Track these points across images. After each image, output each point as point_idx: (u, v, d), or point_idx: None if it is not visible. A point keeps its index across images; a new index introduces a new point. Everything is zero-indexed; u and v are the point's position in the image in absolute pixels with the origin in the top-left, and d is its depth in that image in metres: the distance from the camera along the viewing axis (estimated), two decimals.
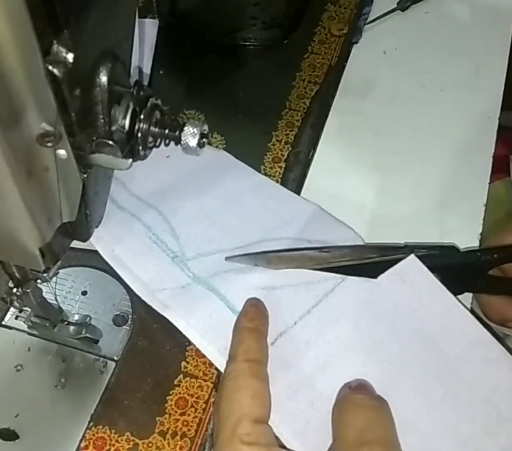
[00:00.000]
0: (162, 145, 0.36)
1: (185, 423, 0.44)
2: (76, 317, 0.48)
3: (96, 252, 0.48)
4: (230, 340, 0.41)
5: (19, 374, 0.46)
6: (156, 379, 0.46)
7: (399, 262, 0.44)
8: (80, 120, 0.29)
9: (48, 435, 0.44)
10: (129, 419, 0.44)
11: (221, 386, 0.38)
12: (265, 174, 0.55)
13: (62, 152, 0.28)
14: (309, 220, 0.50)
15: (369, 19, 0.68)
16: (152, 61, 0.62)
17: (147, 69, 0.61)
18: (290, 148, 0.58)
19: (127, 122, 0.32)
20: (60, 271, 0.47)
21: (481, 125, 0.61)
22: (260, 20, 0.63)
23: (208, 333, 0.43)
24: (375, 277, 0.44)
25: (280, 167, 0.56)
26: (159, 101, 0.34)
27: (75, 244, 0.41)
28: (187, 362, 0.46)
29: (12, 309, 0.48)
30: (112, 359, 0.47)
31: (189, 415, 0.44)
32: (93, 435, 0.44)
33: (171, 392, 0.45)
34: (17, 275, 0.40)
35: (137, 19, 0.36)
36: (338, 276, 0.44)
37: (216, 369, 0.45)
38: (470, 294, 0.49)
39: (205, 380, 0.46)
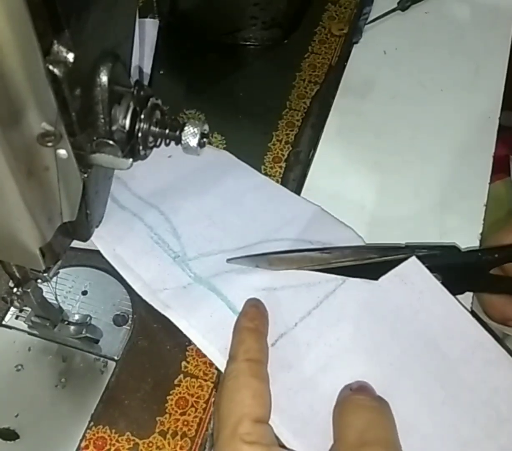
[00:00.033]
0: (164, 145, 0.36)
1: (185, 423, 0.44)
2: (77, 317, 0.48)
3: (96, 251, 0.48)
4: (230, 340, 0.41)
5: (20, 373, 0.47)
6: (156, 379, 0.46)
7: (400, 262, 0.43)
8: (81, 120, 0.29)
9: (48, 435, 0.44)
10: (129, 418, 0.44)
11: (221, 386, 0.38)
12: (266, 174, 0.55)
13: (62, 152, 0.28)
14: (310, 221, 0.50)
15: (370, 19, 0.68)
16: (153, 61, 0.62)
17: (147, 69, 0.61)
18: (291, 148, 0.58)
19: (127, 122, 0.32)
20: (61, 270, 0.47)
21: (481, 125, 0.61)
22: (260, 20, 0.63)
23: (209, 333, 0.43)
24: (376, 278, 0.43)
25: (280, 167, 0.56)
26: (159, 101, 0.34)
27: (76, 243, 0.41)
28: (188, 362, 0.46)
29: (12, 308, 0.49)
30: (113, 359, 0.47)
31: (189, 415, 0.44)
32: (94, 435, 0.44)
33: (171, 392, 0.45)
34: (17, 274, 0.40)
35: (137, 19, 0.36)
36: (339, 278, 0.44)
37: (217, 368, 0.45)
38: (470, 294, 0.49)
39: (205, 380, 0.46)
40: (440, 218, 0.55)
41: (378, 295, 0.43)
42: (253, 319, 0.41)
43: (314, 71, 0.63)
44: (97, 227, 0.45)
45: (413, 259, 0.43)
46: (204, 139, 0.35)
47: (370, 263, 0.44)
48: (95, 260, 0.50)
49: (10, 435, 0.44)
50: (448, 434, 0.39)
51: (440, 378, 0.41)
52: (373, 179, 0.58)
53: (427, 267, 0.43)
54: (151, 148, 0.35)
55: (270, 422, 0.37)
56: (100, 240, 0.47)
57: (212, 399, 0.45)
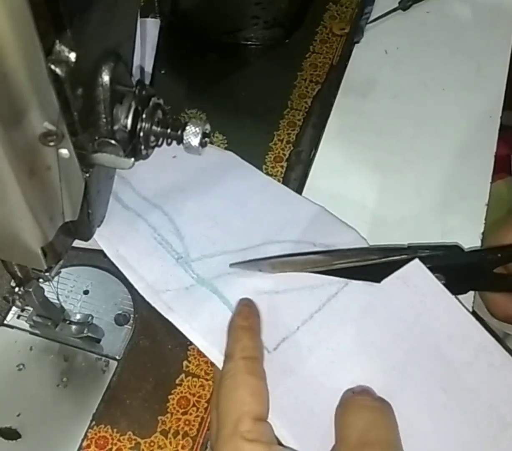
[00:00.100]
0: (166, 144, 0.36)
1: (187, 422, 0.44)
2: (78, 316, 0.48)
3: (98, 251, 0.48)
4: None
5: (21, 373, 0.47)
6: (158, 378, 0.46)
7: (403, 263, 0.43)
8: (82, 119, 0.29)
9: (50, 434, 0.44)
10: (131, 418, 0.44)
11: (219, 385, 0.38)
12: (267, 173, 0.55)
13: (64, 151, 0.28)
14: (314, 222, 0.50)
15: (371, 18, 0.68)
16: (154, 60, 0.62)
17: (149, 69, 0.61)
18: (292, 148, 0.58)
19: (129, 121, 0.32)
20: (62, 270, 0.47)
21: (483, 124, 0.61)
22: (261, 20, 0.63)
23: (210, 335, 0.43)
24: (378, 281, 0.43)
25: (281, 166, 0.57)
26: (161, 101, 0.34)
27: (77, 243, 0.41)
28: (189, 361, 0.46)
29: (14, 308, 0.49)
30: (114, 358, 0.47)
31: (191, 414, 0.45)
32: (95, 434, 0.44)
33: (173, 391, 0.45)
34: (19, 274, 0.40)
35: (138, 19, 0.36)
36: (342, 280, 0.44)
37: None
38: (472, 293, 0.49)
39: (207, 379, 0.46)
40: (441, 217, 0.55)
41: (381, 297, 0.43)
42: (247, 318, 0.41)
43: (315, 71, 0.63)
44: (98, 226, 0.45)
45: (416, 261, 0.43)
46: (206, 139, 0.35)
47: (372, 264, 0.44)
48: (97, 260, 0.50)
49: (12, 434, 0.44)
50: (450, 437, 0.39)
51: (443, 381, 0.41)
52: (374, 178, 0.57)
53: (430, 268, 0.43)
54: (153, 147, 0.35)
55: (271, 425, 0.37)
56: (103, 239, 0.47)
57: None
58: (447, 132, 0.61)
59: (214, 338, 0.42)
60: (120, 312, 0.49)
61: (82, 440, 0.43)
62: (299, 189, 0.55)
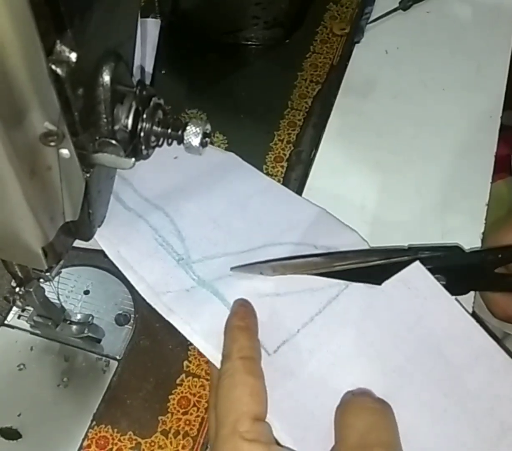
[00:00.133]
0: (166, 145, 0.36)
1: (187, 422, 0.44)
2: (79, 316, 0.48)
3: (98, 251, 0.48)
4: None
5: (22, 373, 0.47)
6: (158, 378, 0.46)
7: (404, 264, 0.43)
8: (83, 119, 0.29)
9: (50, 434, 0.44)
10: (131, 418, 0.44)
11: (217, 385, 0.38)
12: (267, 173, 0.55)
13: (65, 151, 0.28)
14: (315, 224, 0.50)
15: (371, 18, 0.68)
16: (154, 60, 0.62)
17: (149, 69, 0.61)
18: (292, 148, 0.58)
19: (130, 121, 0.32)
20: (63, 270, 0.47)
21: (483, 124, 0.61)
22: (262, 20, 0.63)
23: (211, 337, 0.42)
24: (379, 283, 0.43)
25: (282, 166, 0.57)
26: (161, 101, 0.34)
27: (78, 243, 0.41)
28: (190, 361, 0.47)
29: (14, 308, 0.49)
30: (115, 358, 0.47)
31: (191, 414, 0.45)
32: (96, 434, 0.44)
33: (173, 391, 0.45)
34: (19, 274, 0.40)
35: (139, 19, 0.36)
36: (342, 283, 0.44)
37: None
38: (472, 293, 0.49)
39: (207, 379, 0.46)
40: (441, 217, 0.55)
41: (381, 300, 0.43)
42: (243, 318, 0.41)
43: (315, 71, 0.63)
44: (99, 226, 0.45)
45: (417, 264, 0.43)
46: (206, 139, 0.35)
47: (373, 265, 0.44)
48: (97, 260, 0.50)
49: (12, 434, 0.44)
50: (450, 442, 0.39)
51: (443, 385, 0.41)
52: (374, 178, 0.57)
53: (431, 269, 0.43)
54: (154, 147, 0.35)
55: (270, 426, 0.37)
56: (104, 240, 0.47)
57: None
58: (447, 132, 0.61)
59: (215, 339, 0.42)
60: (120, 312, 0.49)
61: (83, 440, 0.43)
62: (299, 189, 0.55)
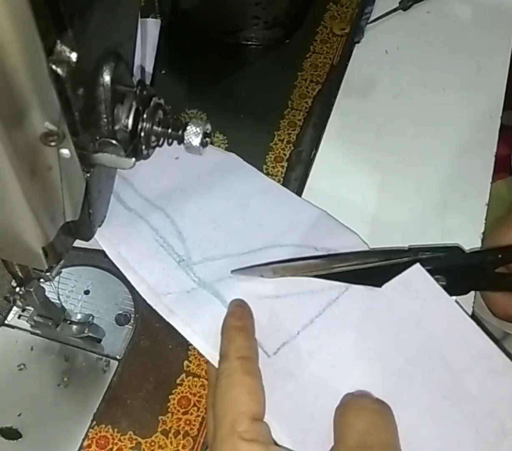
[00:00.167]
0: (166, 144, 0.36)
1: (187, 422, 0.44)
2: (79, 316, 0.48)
3: (98, 251, 0.48)
4: None
5: (22, 373, 0.47)
6: (158, 378, 0.46)
7: (404, 265, 0.43)
8: (84, 119, 0.29)
9: (51, 434, 0.44)
10: (131, 418, 0.44)
11: (215, 385, 0.38)
12: (267, 173, 0.55)
13: (65, 151, 0.28)
14: (316, 226, 0.49)
15: (371, 18, 0.68)
16: (154, 60, 0.62)
17: (149, 69, 0.61)
18: (292, 148, 0.58)
19: (130, 121, 0.32)
20: (63, 270, 0.47)
21: (483, 124, 0.61)
22: (262, 20, 0.63)
23: (212, 338, 0.42)
24: (379, 285, 0.43)
25: (282, 166, 0.57)
26: (162, 101, 0.34)
27: (78, 243, 0.41)
28: (190, 361, 0.47)
29: (15, 308, 0.49)
30: (115, 358, 0.47)
31: (191, 414, 0.45)
32: (96, 434, 0.44)
33: (173, 391, 0.45)
34: (20, 274, 0.40)
35: (139, 19, 0.36)
36: (342, 285, 0.44)
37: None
38: (472, 293, 0.49)
39: (207, 379, 0.46)
40: (441, 218, 0.55)
41: (381, 302, 0.43)
42: (240, 318, 0.41)
43: (315, 71, 0.63)
44: (99, 226, 0.45)
45: (417, 266, 0.43)
46: (207, 139, 0.36)
47: (373, 266, 0.44)
48: (98, 260, 0.50)
49: (12, 434, 0.44)
50: (450, 443, 0.39)
51: (443, 387, 0.41)
52: (374, 178, 0.58)
53: (431, 269, 0.43)
54: (154, 147, 0.35)
55: (271, 429, 0.37)
56: (105, 240, 0.47)
57: None
58: (447, 132, 0.61)
59: (215, 341, 0.42)
60: (120, 312, 0.49)
61: (83, 440, 0.44)
62: (299, 189, 0.55)
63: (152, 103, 0.33)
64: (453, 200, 0.56)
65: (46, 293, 0.44)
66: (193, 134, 0.35)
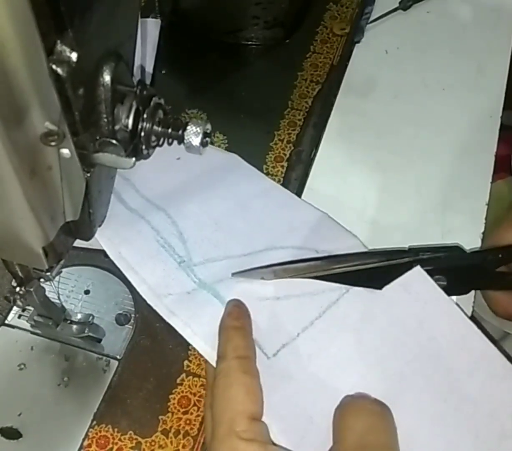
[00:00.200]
0: (166, 144, 0.36)
1: (187, 421, 0.44)
2: (79, 316, 0.48)
3: (99, 251, 0.48)
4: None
5: (22, 372, 0.47)
6: (158, 378, 0.46)
7: (404, 266, 0.43)
8: (84, 119, 0.29)
9: (51, 433, 0.44)
10: (132, 417, 0.44)
11: (213, 385, 0.38)
12: (267, 173, 0.55)
13: (65, 151, 0.28)
14: (317, 228, 0.49)
15: (371, 18, 0.68)
16: (155, 60, 0.62)
17: (149, 69, 0.61)
18: (292, 148, 0.58)
19: (130, 121, 0.32)
20: (63, 270, 0.47)
21: (483, 124, 0.61)
22: (262, 20, 0.63)
23: (212, 339, 0.42)
24: (380, 287, 0.43)
25: (282, 166, 0.57)
26: (162, 101, 0.34)
27: (78, 243, 0.41)
28: (190, 361, 0.47)
29: (15, 308, 0.49)
30: (115, 358, 0.47)
31: (191, 413, 0.45)
32: (96, 433, 0.44)
33: (173, 391, 0.45)
34: (20, 274, 0.40)
35: (139, 19, 0.36)
36: (343, 287, 0.44)
37: None
38: (472, 293, 0.49)
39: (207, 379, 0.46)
40: (442, 217, 0.55)
41: (382, 305, 0.43)
42: (238, 318, 0.41)
43: (316, 71, 0.63)
44: (99, 226, 0.45)
45: (418, 268, 0.43)
46: (207, 139, 0.36)
47: (374, 267, 0.43)
48: (98, 259, 0.50)
49: (13, 434, 0.44)
50: (450, 446, 0.39)
51: (443, 390, 0.40)
52: (374, 178, 0.58)
53: (432, 270, 0.43)
54: (154, 147, 0.35)
55: (269, 430, 0.37)
56: (106, 241, 0.47)
57: None
58: (447, 132, 0.61)
59: (215, 342, 0.42)
60: (121, 311, 0.49)
61: (83, 440, 0.44)
62: (299, 189, 0.55)
63: (152, 103, 0.33)
64: (453, 200, 0.56)
65: (46, 293, 0.44)
66: (193, 134, 0.35)
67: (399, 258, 0.43)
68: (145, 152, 0.34)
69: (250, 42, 0.65)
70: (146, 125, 0.33)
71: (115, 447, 0.43)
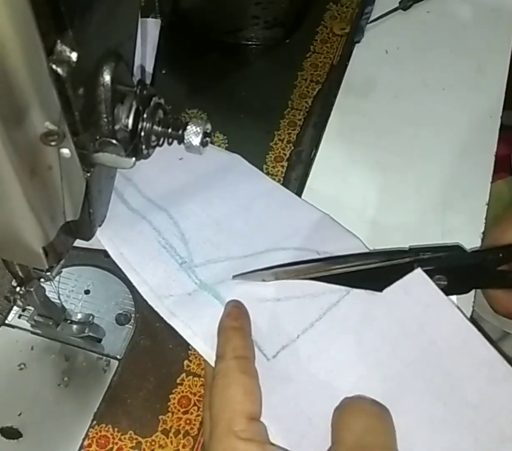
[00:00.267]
0: (167, 144, 0.36)
1: (188, 421, 0.44)
2: (79, 316, 0.48)
3: (99, 251, 0.48)
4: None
5: (22, 372, 0.47)
6: (159, 378, 0.46)
7: (405, 266, 0.43)
8: (84, 119, 0.29)
9: (51, 433, 0.44)
10: (132, 417, 0.44)
11: (211, 385, 0.38)
12: (267, 173, 0.55)
13: (65, 151, 0.28)
14: (318, 229, 0.49)
15: (371, 18, 0.68)
16: (155, 60, 0.62)
17: (149, 69, 0.61)
18: (292, 148, 0.58)
19: (130, 121, 0.32)
20: (63, 270, 0.47)
21: (483, 124, 0.61)
22: (262, 20, 0.63)
23: (212, 340, 0.42)
24: (380, 289, 0.43)
25: (282, 166, 0.57)
26: (162, 100, 0.34)
27: (78, 243, 0.41)
28: (190, 361, 0.47)
29: (15, 308, 0.49)
30: (115, 358, 0.47)
31: (192, 413, 0.45)
32: (96, 433, 0.44)
33: (174, 391, 0.45)
34: (20, 273, 0.40)
35: (139, 19, 0.36)
36: (343, 289, 0.44)
37: None
38: (472, 293, 0.49)
39: None
40: (442, 217, 0.55)
41: (382, 307, 0.43)
42: (237, 318, 0.41)
43: (316, 71, 0.63)
44: (100, 226, 0.45)
45: (418, 271, 0.43)
46: (207, 139, 0.36)
47: (374, 267, 0.43)
48: (98, 259, 0.50)
49: (13, 433, 0.44)
50: (449, 450, 0.39)
51: (443, 394, 0.40)
52: (374, 178, 0.58)
53: (432, 270, 0.43)
54: (154, 147, 0.35)
55: (268, 431, 0.37)
56: (108, 241, 0.47)
57: None
58: (447, 132, 0.61)
59: (215, 343, 0.42)
60: (121, 311, 0.49)
61: (83, 440, 0.44)
62: (299, 189, 0.55)
63: (152, 103, 0.33)
64: (453, 200, 0.56)
65: (47, 293, 0.44)
66: (193, 134, 0.35)
67: (400, 258, 0.43)
68: (145, 152, 0.34)
69: (250, 42, 0.65)
70: (146, 125, 0.33)
71: (115, 447, 0.43)
